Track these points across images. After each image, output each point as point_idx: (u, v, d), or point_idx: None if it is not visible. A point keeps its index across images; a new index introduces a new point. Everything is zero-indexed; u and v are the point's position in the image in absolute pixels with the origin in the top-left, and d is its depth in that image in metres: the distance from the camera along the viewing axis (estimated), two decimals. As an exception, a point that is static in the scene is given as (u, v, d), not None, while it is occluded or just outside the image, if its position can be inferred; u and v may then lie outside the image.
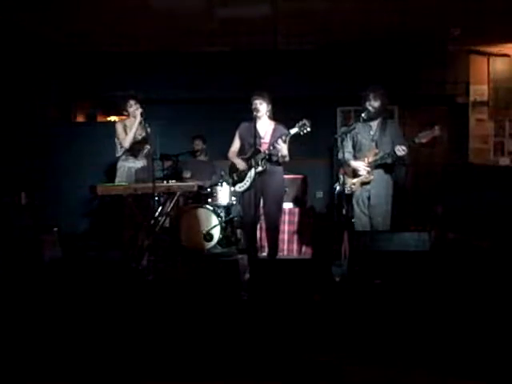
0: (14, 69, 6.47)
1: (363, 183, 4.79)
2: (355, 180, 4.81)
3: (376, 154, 4.73)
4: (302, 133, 4.71)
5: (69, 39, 6.25)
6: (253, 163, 4.81)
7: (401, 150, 4.54)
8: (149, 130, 5.16)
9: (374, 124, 4.83)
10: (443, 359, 2.91)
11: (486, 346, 3.02)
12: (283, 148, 4.76)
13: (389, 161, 4.72)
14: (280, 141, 4.72)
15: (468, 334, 3.17)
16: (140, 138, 5.24)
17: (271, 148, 4.77)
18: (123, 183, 5.16)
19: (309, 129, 4.69)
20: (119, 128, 5.20)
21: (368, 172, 4.74)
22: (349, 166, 4.85)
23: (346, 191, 4.86)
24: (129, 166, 5.25)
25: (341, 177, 4.89)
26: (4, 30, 5.77)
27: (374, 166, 4.74)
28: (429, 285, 3.79)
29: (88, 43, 6.46)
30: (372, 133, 4.82)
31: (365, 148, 4.82)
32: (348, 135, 4.85)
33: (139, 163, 5.27)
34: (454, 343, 3.07)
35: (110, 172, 5.42)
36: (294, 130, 4.74)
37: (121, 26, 5.78)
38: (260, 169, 4.80)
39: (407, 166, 5.09)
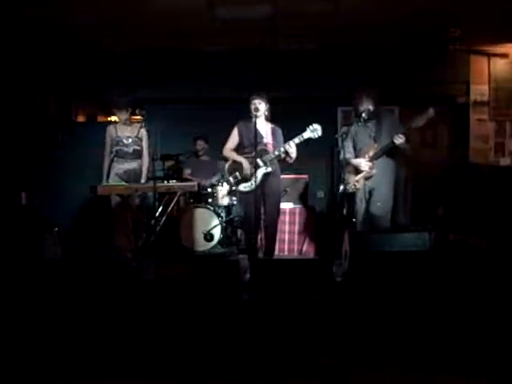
0: (14, 69, 6.47)
1: (366, 178, 4.83)
2: (358, 177, 4.86)
3: (376, 148, 4.78)
4: (313, 137, 4.79)
5: (70, 38, 6.24)
6: (261, 164, 4.81)
7: (398, 139, 4.62)
8: (147, 130, 5.25)
9: (371, 122, 4.87)
10: (443, 359, 2.91)
11: (487, 345, 3.02)
12: (295, 150, 4.83)
13: (388, 150, 4.76)
14: (292, 143, 4.76)
15: (469, 333, 3.17)
16: (131, 140, 5.29)
17: (282, 149, 4.79)
18: (124, 183, 5.17)
19: (320, 133, 4.78)
20: (111, 131, 5.32)
21: (370, 167, 4.79)
22: (350, 164, 4.89)
23: (350, 190, 4.90)
24: (115, 168, 5.27)
25: (343, 176, 4.93)
26: (4, 29, 5.76)
27: (375, 158, 4.79)
28: (429, 285, 3.79)
29: (89, 43, 6.45)
30: (369, 130, 4.87)
31: (364, 146, 4.87)
32: (348, 136, 4.91)
33: (129, 165, 5.29)
34: (455, 343, 3.07)
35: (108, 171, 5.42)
36: (307, 135, 4.79)
37: (122, 26, 5.77)
38: (270, 170, 4.81)
39: (407, 158, 5.06)
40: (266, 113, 4.94)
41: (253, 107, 4.85)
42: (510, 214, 5.50)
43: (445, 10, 5.27)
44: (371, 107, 4.77)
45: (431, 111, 4.56)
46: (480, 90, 6.98)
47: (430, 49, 6.63)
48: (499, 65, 6.90)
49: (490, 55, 6.84)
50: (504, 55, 6.83)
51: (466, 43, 6.34)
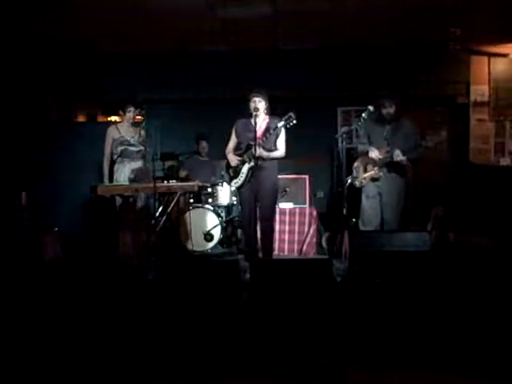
0: (14, 69, 6.47)
1: (373, 179, 5.03)
2: (366, 175, 5.06)
3: (387, 152, 4.94)
4: (288, 125, 4.79)
5: (69, 39, 6.25)
6: (245, 158, 4.84)
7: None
8: (146, 131, 5.27)
9: (389, 125, 5.06)
10: (443, 359, 2.91)
11: (487, 345, 3.02)
12: (278, 145, 4.85)
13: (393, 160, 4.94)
14: (267, 134, 4.81)
15: (469, 333, 3.17)
16: (135, 140, 5.33)
17: (261, 141, 4.80)
18: (124, 183, 5.19)
19: (295, 121, 4.78)
20: (113, 132, 5.36)
21: (378, 168, 4.98)
22: (361, 156, 5.10)
23: (358, 185, 5.10)
24: (123, 168, 5.30)
25: (354, 170, 5.16)
26: (5, 29, 5.76)
27: (383, 163, 4.96)
28: (429, 285, 3.79)
29: (88, 43, 6.45)
30: (385, 133, 5.06)
31: (377, 145, 5.04)
32: (363, 130, 5.12)
33: (135, 164, 5.35)
34: (455, 343, 3.07)
35: (111, 172, 5.44)
36: (280, 123, 4.81)
37: (121, 26, 5.77)
38: (252, 164, 4.80)
39: (407, 168, 5.17)
40: (266, 110, 4.94)
41: (252, 105, 4.84)
42: (510, 214, 5.50)
43: (445, 10, 5.27)
44: (392, 111, 4.99)
45: (443, 134, 4.74)
46: (480, 90, 6.98)
47: (430, 49, 6.63)
48: (499, 65, 6.89)
49: (490, 55, 6.83)
50: (504, 55, 6.83)
51: (466, 43, 6.33)
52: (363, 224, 5.14)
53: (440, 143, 4.91)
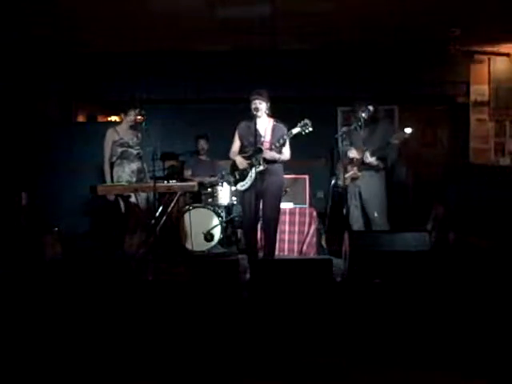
0: (15, 69, 6.48)
1: (353, 178, 5.17)
2: (347, 175, 5.17)
3: (363, 152, 5.07)
4: (303, 132, 4.77)
5: (70, 39, 6.25)
6: (254, 162, 4.81)
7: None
8: (144, 133, 5.28)
9: (366, 129, 5.14)
10: (444, 358, 2.91)
11: (487, 344, 3.02)
12: (284, 149, 4.86)
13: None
14: (278, 144, 4.79)
15: (469, 333, 3.17)
16: (134, 142, 5.35)
17: (273, 147, 4.79)
18: (123, 183, 5.19)
19: (310, 128, 4.76)
20: (112, 134, 5.37)
21: (357, 168, 5.12)
22: (347, 156, 5.17)
23: (342, 185, 5.19)
24: (124, 169, 5.32)
25: (336, 171, 5.29)
26: (6, 30, 5.76)
27: (360, 163, 5.10)
28: (429, 285, 3.79)
29: (89, 43, 6.45)
30: (363, 134, 5.16)
31: (356, 146, 5.18)
32: (345, 135, 5.15)
33: (134, 166, 5.36)
34: (455, 343, 3.07)
35: (110, 172, 5.43)
36: (295, 130, 4.78)
37: (121, 27, 5.77)
38: (261, 168, 4.81)
39: (386, 167, 5.25)
40: (267, 111, 4.92)
41: (253, 107, 4.83)
42: (510, 214, 5.50)
43: (445, 10, 5.28)
44: (365, 117, 5.03)
45: (408, 131, 4.82)
46: (480, 90, 6.98)
47: (430, 49, 6.63)
48: (499, 65, 6.89)
49: (489, 55, 6.83)
50: (504, 55, 6.82)
51: (466, 43, 6.33)
52: (353, 224, 5.20)
53: (406, 140, 4.95)
